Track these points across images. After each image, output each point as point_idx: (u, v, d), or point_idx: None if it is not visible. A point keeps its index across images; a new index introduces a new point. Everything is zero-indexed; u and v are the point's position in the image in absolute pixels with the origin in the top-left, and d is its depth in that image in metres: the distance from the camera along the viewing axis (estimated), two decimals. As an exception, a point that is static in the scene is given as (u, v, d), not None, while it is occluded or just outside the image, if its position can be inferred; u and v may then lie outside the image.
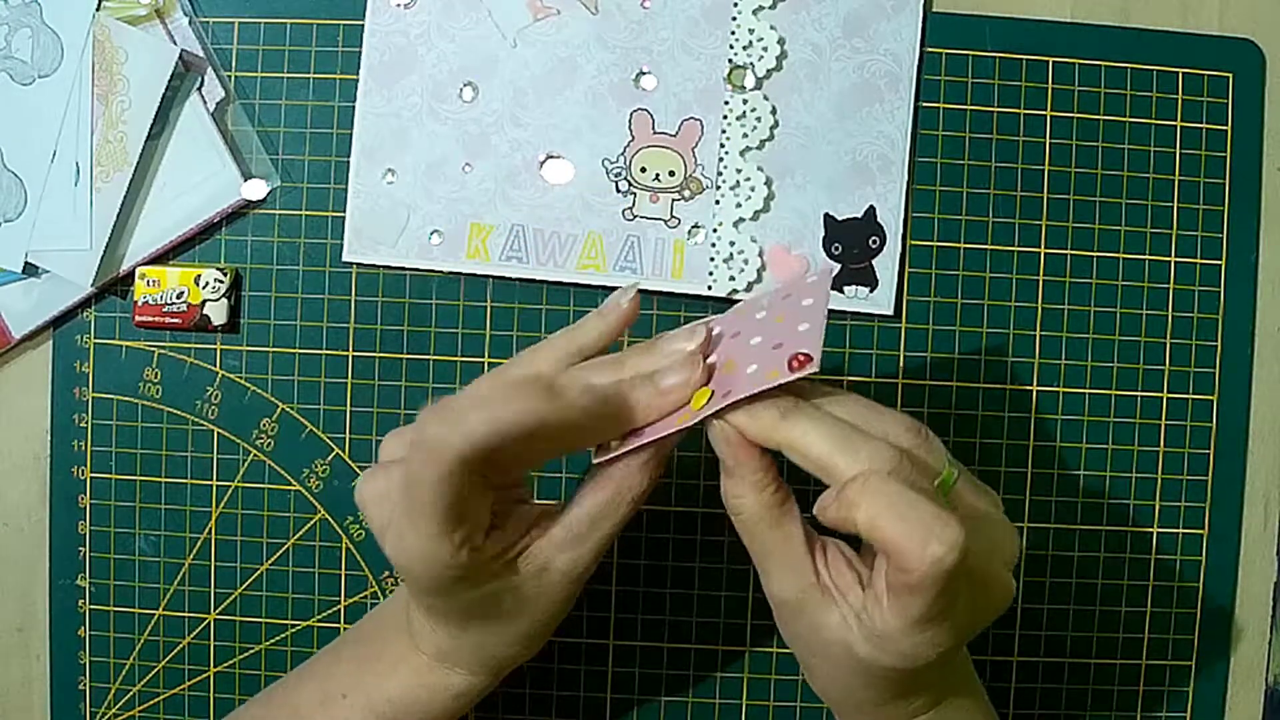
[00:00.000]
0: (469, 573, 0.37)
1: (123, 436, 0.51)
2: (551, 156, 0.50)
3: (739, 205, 0.50)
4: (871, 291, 0.50)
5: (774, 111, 0.50)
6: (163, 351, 0.51)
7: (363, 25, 0.50)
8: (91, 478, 0.51)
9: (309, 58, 0.50)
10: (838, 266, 0.43)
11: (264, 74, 0.50)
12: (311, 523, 0.51)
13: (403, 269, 0.50)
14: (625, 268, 0.50)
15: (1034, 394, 0.51)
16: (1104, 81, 0.51)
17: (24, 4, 0.49)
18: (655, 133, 0.50)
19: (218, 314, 0.50)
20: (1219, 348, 0.51)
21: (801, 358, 0.36)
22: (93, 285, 0.49)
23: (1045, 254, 0.51)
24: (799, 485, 0.38)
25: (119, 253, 0.50)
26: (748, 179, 0.50)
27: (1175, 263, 0.51)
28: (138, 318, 0.50)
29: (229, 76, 0.50)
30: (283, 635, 0.51)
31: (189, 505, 0.51)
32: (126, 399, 0.51)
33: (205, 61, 0.50)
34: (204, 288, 0.50)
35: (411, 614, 0.41)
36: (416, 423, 0.35)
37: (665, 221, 0.50)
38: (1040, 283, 0.51)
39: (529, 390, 0.35)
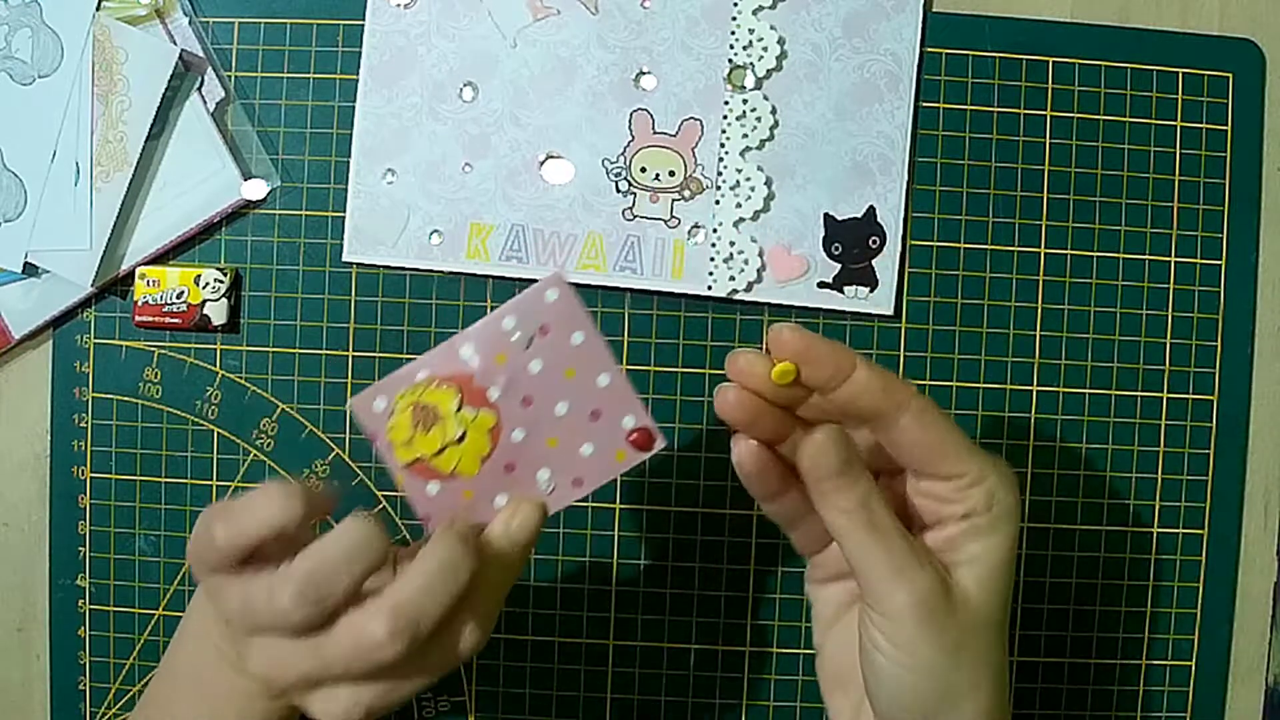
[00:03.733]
0: None
1: (123, 436, 0.51)
2: (551, 156, 0.50)
3: (739, 205, 0.50)
4: (871, 291, 0.50)
5: (774, 111, 0.50)
6: (163, 351, 0.51)
7: (363, 25, 0.50)
8: (91, 478, 0.51)
9: (309, 58, 0.50)
10: (558, 272, 0.38)
11: (264, 74, 0.50)
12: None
13: (403, 269, 0.50)
14: (625, 268, 0.50)
15: (1034, 394, 0.51)
16: (1104, 81, 0.51)
17: (24, 4, 0.49)
18: (655, 133, 0.50)
19: (218, 314, 0.50)
20: (1219, 348, 0.51)
21: (640, 436, 0.38)
22: (93, 285, 0.49)
23: (1045, 254, 0.51)
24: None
25: (119, 253, 0.50)
26: (748, 179, 0.50)
27: (1175, 263, 0.51)
28: (138, 318, 0.50)
29: (229, 76, 0.50)
30: (283, 635, 0.51)
31: (189, 505, 0.51)
32: (126, 399, 0.51)
33: (205, 61, 0.50)
34: (204, 288, 0.50)
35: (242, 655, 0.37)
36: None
37: (665, 221, 0.50)
38: (1040, 283, 0.51)
39: None
